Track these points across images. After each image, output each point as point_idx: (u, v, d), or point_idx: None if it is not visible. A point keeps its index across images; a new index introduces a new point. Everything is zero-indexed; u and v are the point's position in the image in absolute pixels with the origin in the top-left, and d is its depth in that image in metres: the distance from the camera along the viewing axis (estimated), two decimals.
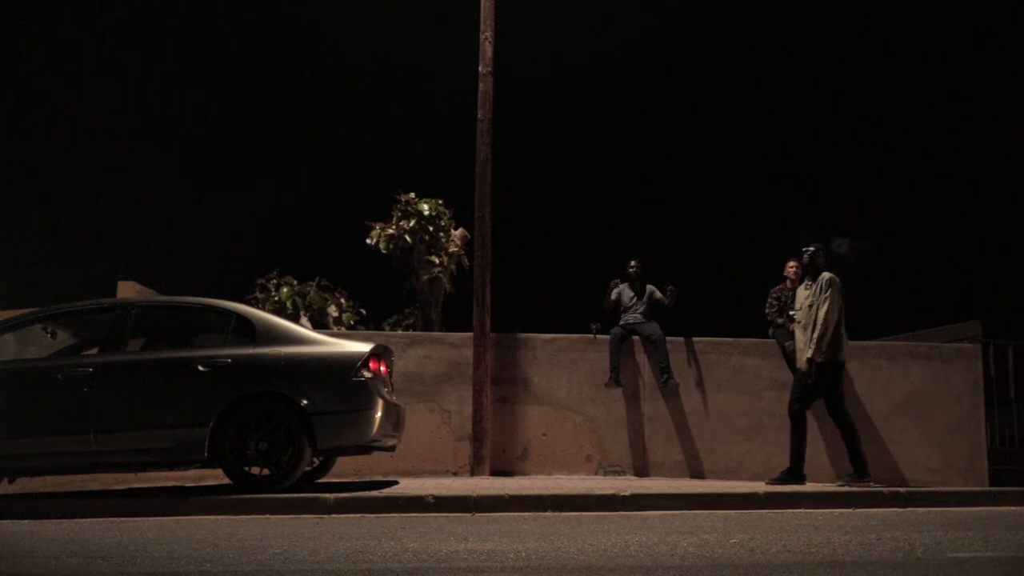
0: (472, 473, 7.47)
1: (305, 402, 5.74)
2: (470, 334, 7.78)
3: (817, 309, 6.79)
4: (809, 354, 6.78)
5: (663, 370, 7.83)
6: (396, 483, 6.55)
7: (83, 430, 5.67)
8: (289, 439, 5.72)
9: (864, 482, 6.61)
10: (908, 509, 5.91)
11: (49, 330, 6.47)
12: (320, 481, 6.65)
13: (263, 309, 9.48)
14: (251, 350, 5.90)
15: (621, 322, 8.13)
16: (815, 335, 6.72)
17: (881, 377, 8.12)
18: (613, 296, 8.26)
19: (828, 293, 6.76)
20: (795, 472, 6.93)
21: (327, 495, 5.43)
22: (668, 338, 7.95)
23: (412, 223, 10.43)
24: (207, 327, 6.55)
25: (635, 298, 8.18)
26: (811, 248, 7.08)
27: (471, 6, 8.34)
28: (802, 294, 7.11)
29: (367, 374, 5.89)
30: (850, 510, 5.75)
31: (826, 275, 6.89)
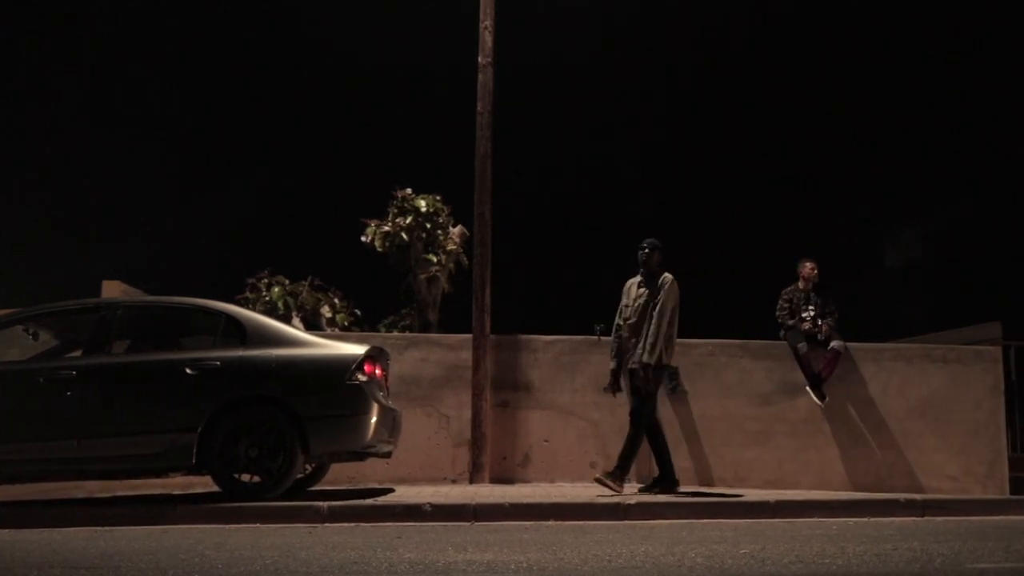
0: (471, 480, 7.47)
1: (297, 406, 5.73)
2: (469, 336, 7.77)
3: (652, 309, 6.50)
4: (645, 357, 6.42)
5: (671, 376, 7.82)
6: (392, 491, 6.54)
7: (66, 435, 5.66)
8: (281, 445, 5.72)
9: (670, 489, 6.45)
10: (925, 518, 5.91)
11: (31, 331, 6.47)
12: (313, 489, 6.64)
13: (253, 310, 9.47)
14: (241, 352, 5.90)
15: None
16: (648, 337, 6.45)
17: (897, 380, 8.11)
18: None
19: (662, 295, 6.49)
20: (667, 478, 6.58)
21: (320, 503, 5.43)
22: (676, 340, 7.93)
23: (409, 220, 10.44)
24: (195, 328, 6.55)
25: None
26: (647, 246, 6.67)
27: None
28: (635, 292, 6.68)
29: (362, 377, 5.88)
30: (865, 519, 5.74)
31: (668, 276, 6.61)
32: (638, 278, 6.74)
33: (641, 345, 6.46)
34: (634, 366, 6.49)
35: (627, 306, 6.70)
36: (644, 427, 6.48)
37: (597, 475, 6.45)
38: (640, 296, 6.61)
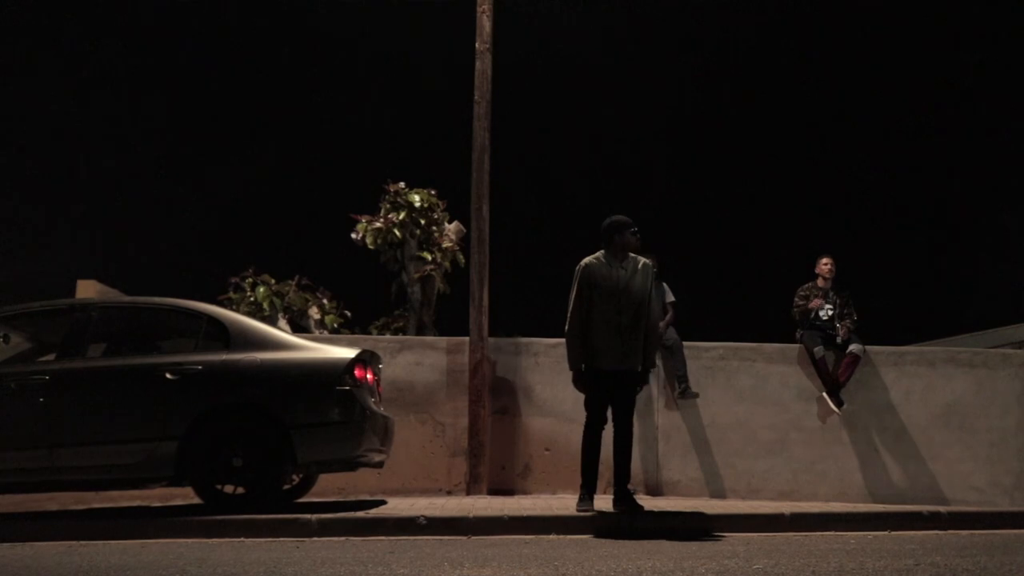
0: (468, 492, 7.47)
1: (284, 413, 5.73)
2: (466, 339, 7.77)
3: (648, 304, 5.98)
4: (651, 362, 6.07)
5: (679, 379, 7.83)
6: (384, 503, 6.55)
7: (38, 444, 5.66)
8: (266, 454, 5.72)
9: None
10: (949, 532, 5.91)
11: (1, 334, 6.46)
12: (300, 500, 6.64)
13: (237, 311, 9.47)
14: (224, 356, 5.90)
15: None
16: (652, 337, 6.00)
17: (919, 386, 8.12)
18: None
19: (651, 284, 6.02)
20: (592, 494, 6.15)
21: (308, 516, 5.43)
22: (685, 343, 7.94)
23: (402, 216, 10.44)
24: (176, 331, 6.55)
25: None
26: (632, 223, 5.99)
27: None
28: (623, 277, 5.97)
29: (352, 382, 5.89)
30: (885, 533, 5.75)
31: (644, 260, 6.09)
32: (603, 261, 5.98)
33: (645, 346, 6.03)
34: (637, 368, 6.04)
35: (620, 294, 5.92)
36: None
37: (618, 508, 5.95)
38: (633, 283, 5.96)
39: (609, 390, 5.99)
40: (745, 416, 7.93)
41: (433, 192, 10.69)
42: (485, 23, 8.13)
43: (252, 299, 11.24)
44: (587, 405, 6.05)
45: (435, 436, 7.70)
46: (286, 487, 6.21)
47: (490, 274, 7.95)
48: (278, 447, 5.71)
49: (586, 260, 6.04)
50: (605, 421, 6.03)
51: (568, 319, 5.95)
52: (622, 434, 6.04)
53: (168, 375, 5.78)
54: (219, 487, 5.74)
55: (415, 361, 7.81)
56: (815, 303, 8.08)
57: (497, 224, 8.12)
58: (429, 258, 10.52)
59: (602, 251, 6.06)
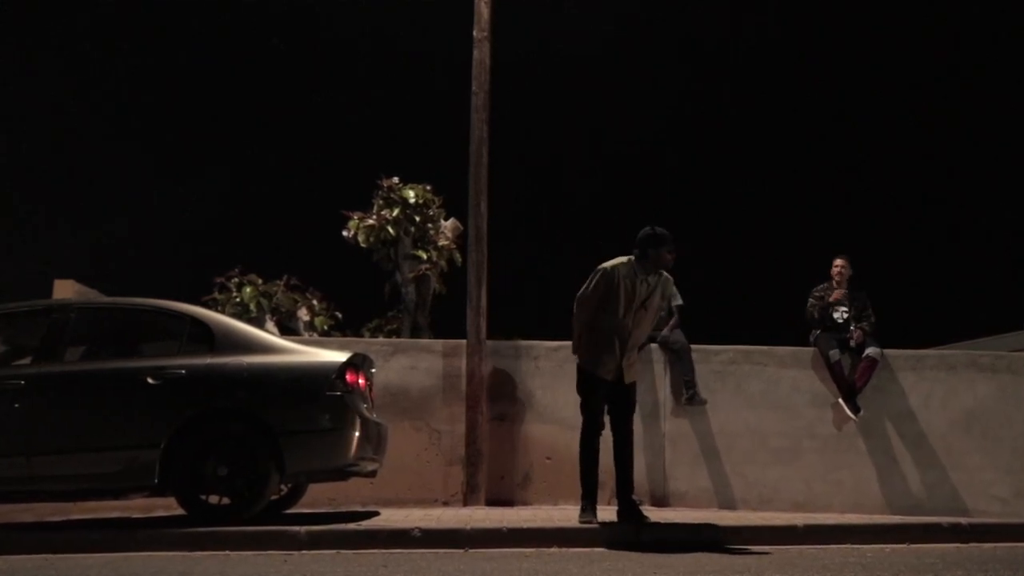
0: (465, 503, 7.47)
1: (271, 420, 5.73)
2: (463, 341, 7.77)
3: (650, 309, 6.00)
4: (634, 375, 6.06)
5: (687, 384, 7.81)
6: (377, 514, 6.54)
7: (14, 452, 5.65)
8: (253, 463, 5.71)
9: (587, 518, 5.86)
10: (971, 544, 5.91)
11: None
12: (289, 512, 6.64)
13: (223, 312, 9.46)
14: (209, 360, 5.89)
15: None
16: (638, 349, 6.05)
17: (939, 391, 8.11)
18: None
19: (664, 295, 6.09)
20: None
21: (297, 528, 5.42)
22: (693, 346, 7.92)
23: (396, 212, 10.45)
24: (158, 333, 6.54)
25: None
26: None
27: None
28: (643, 290, 5.95)
29: (343, 387, 5.88)
30: (904, 545, 5.75)
31: (667, 276, 6.08)
32: (632, 272, 5.92)
33: (634, 357, 6.09)
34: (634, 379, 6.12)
35: (637, 311, 5.95)
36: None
37: (622, 519, 5.98)
38: (651, 301, 6.03)
39: (607, 395, 6.02)
40: (756, 423, 7.92)
41: (429, 188, 10.71)
42: (483, 10, 8.12)
43: (238, 300, 11.26)
44: (583, 409, 6.07)
45: (431, 444, 7.69)
46: (274, 497, 6.20)
47: (488, 274, 7.94)
48: (265, 455, 5.70)
49: (612, 264, 5.94)
50: (603, 426, 6.07)
51: (579, 307, 5.95)
52: (622, 441, 6.07)
53: (150, 379, 5.77)
54: (203, 497, 5.73)
55: (409, 365, 7.80)
56: (837, 294, 8.08)
57: (496, 221, 8.12)
58: (424, 257, 10.53)
59: (631, 259, 5.96)
